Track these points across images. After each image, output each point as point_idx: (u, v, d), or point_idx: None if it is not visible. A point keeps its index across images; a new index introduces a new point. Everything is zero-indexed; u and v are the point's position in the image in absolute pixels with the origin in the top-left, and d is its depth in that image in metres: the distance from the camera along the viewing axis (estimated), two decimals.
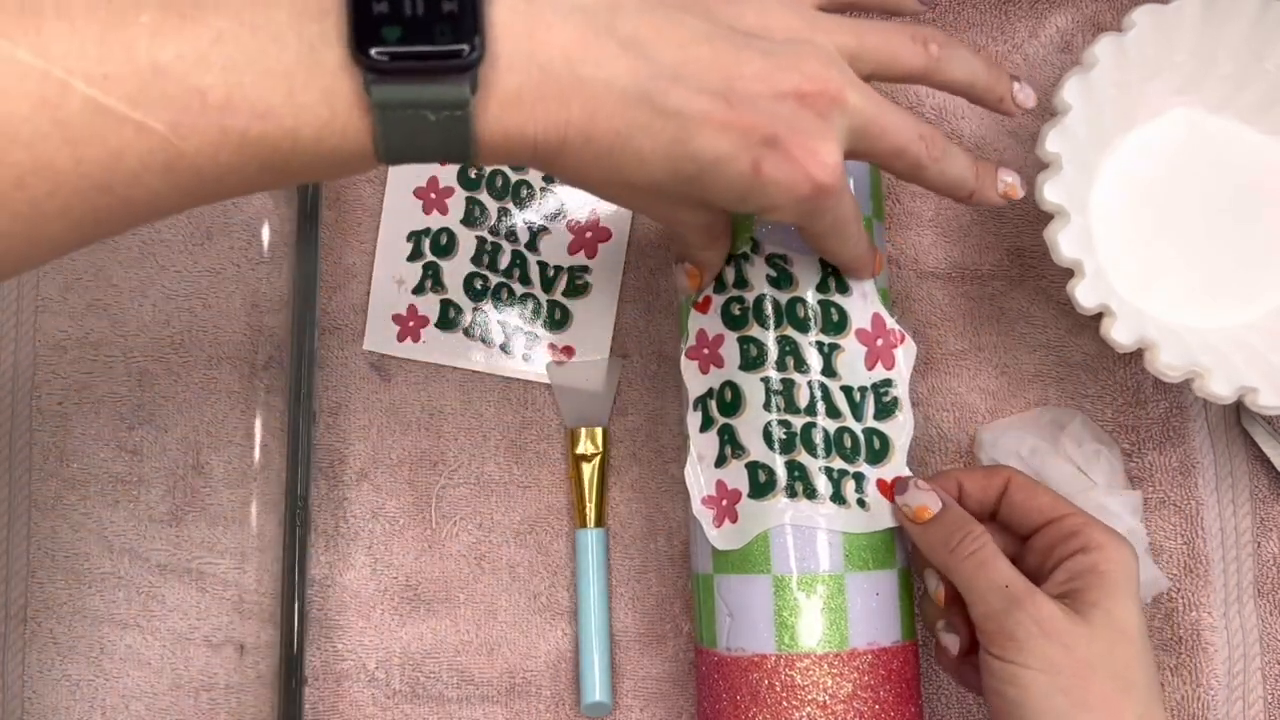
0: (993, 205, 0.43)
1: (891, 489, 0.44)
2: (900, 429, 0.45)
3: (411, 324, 0.53)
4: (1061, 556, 0.42)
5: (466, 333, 0.53)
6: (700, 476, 0.45)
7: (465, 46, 0.32)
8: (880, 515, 0.44)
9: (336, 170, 0.34)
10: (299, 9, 0.32)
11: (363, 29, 0.31)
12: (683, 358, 0.47)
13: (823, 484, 0.43)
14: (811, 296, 0.45)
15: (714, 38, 0.36)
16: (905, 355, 0.46)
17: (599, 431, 0.52)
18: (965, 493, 0.45)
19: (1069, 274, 0.45)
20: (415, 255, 0.54)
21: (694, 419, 0.46)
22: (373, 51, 0.31)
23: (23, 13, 0.30)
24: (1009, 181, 0.43)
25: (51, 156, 0.30)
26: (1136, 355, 0.46)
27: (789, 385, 0.44)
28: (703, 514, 0.45)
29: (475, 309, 0.53)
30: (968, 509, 0.43)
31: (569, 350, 0.53)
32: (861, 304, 0.45)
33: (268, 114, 0.31)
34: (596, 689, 0.50)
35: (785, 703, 0.42)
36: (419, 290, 0.54)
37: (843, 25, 0.38)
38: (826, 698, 0.42)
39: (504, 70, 0.33)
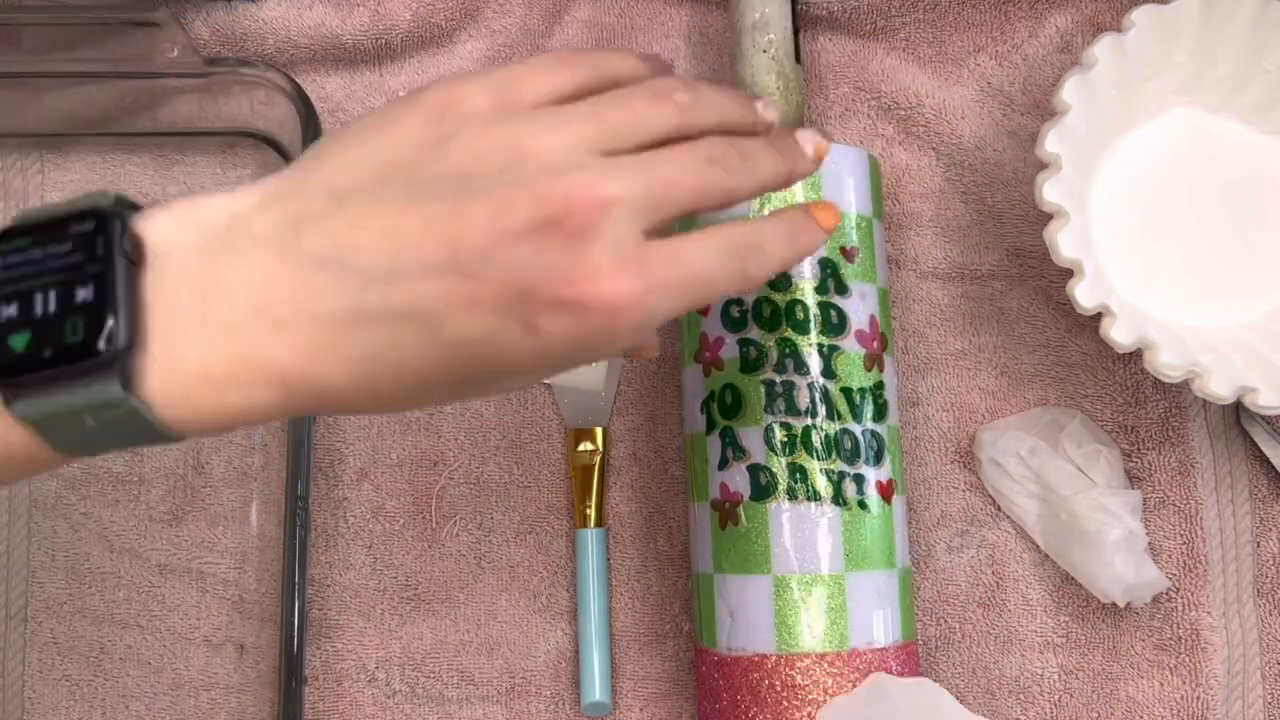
0: (811, 173, 0.37)
1: (888, 490, 0.45)
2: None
3: None
4: None
5: None
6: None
7: (99, 342, 0.28)
8: (881, 516, 0.44)
9: (32, 470, 0.30)
10: None
11: None
12: (683, 361, 0.47)
13: (824, 485, 0.44)
14: (810, 298, 0.45)
15: (420, 200, 0.30)
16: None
17: (599, 431, 0.52)
18: None
19: (1069, 274, 0.45)
20: None
21: (699, 420, 0.46)
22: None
23: None
24: (816, 143, 0.37)
25: None
26: (1136, 355, 0.46)
27: (789, 387, 0.44)
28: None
29: None
30: None
31: None
32: (860, 305, 0.45)
33: None
34: (596, 689, 0.50)
35: (786, 702, 0.42)
36: None
37: (572, 114, 0.32)
38: (827, 698, 0.42)
39: (179, 345, 0.29)
